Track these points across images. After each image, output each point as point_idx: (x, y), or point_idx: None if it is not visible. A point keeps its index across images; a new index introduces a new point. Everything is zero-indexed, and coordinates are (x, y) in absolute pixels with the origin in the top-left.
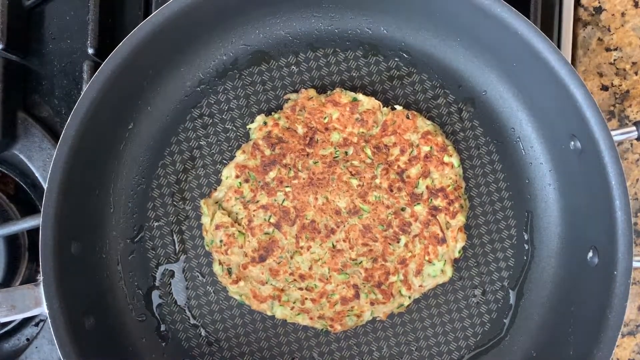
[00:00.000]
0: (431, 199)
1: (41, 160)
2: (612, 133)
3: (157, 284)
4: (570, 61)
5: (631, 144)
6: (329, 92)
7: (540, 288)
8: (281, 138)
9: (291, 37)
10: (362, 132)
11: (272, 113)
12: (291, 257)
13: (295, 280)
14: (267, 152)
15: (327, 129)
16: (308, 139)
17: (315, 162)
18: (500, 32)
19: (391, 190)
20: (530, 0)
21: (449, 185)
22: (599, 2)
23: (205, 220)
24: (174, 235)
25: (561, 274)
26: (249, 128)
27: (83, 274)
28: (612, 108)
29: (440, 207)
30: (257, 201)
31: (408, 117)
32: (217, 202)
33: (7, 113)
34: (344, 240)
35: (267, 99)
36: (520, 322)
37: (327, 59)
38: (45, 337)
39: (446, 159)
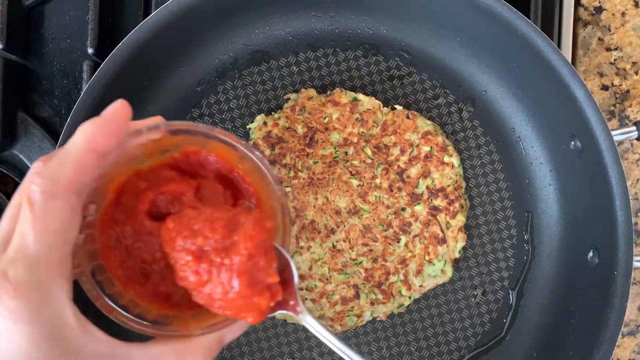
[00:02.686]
0: (431, 199)
1: None
2: (612, 133)
3: None
4: (570, 61)
5: (631, 144)
6: (329, 92)
7: (540, 288)
8: (281, 138)
9: (291, 37)
10: (362, 132)
11: (272, 113)
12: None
13: None
14: (267, 152)
15: (327, 128)
16: (308, 139)
17: (315, 162)
18: (500, 32)
19: (391, 190)
20: (530, 0)
21: (449, 185)
22: (599, 2)
23: None
24: None
25: (561, 274)
26: (249, 128)
27: None
28: (612, 108)
29: (440, 207)
30: None
31: (408, 117)
32: None
33: (7, 113)
34: (344, 240)
35: (267, 99)
36: (520, 322)
37: (327, 59)
38: None
39: (446, 159)
